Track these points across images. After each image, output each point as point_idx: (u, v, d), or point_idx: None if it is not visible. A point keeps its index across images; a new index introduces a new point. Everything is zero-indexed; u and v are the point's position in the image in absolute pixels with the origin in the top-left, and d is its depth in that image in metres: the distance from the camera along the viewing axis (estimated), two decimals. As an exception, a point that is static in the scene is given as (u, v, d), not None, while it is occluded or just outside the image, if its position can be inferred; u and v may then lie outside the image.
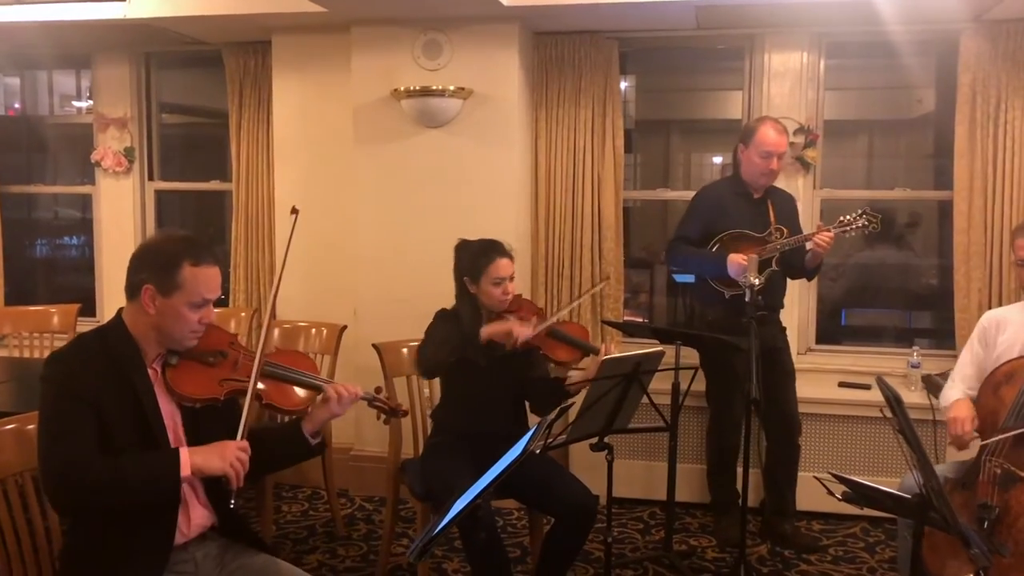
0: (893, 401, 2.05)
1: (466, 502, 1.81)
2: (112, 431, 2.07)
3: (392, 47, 4.33)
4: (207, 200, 5.64)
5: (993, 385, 2.82)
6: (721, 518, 4.00)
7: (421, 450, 3.43)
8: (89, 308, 5.26)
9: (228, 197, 5.13)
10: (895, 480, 4.05)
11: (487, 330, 3.00)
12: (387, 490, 3.55)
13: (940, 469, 2.93)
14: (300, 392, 2.38)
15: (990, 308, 4.16)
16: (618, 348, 4.42)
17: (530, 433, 1.89)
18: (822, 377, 4.37)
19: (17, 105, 6.00)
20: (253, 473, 2.22)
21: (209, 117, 5.57)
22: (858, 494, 2.34)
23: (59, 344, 4.56)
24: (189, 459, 2.05)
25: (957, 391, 3.02)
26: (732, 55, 4.75)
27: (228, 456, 2.08)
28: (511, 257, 3.22)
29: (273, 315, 2.53)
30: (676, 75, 5.39)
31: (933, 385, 4.11)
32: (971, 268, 4.20)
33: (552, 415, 2.05)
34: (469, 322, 3.15)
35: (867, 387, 4.26)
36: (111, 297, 5.30)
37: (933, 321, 5.44)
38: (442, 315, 3.22)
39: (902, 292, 5.85)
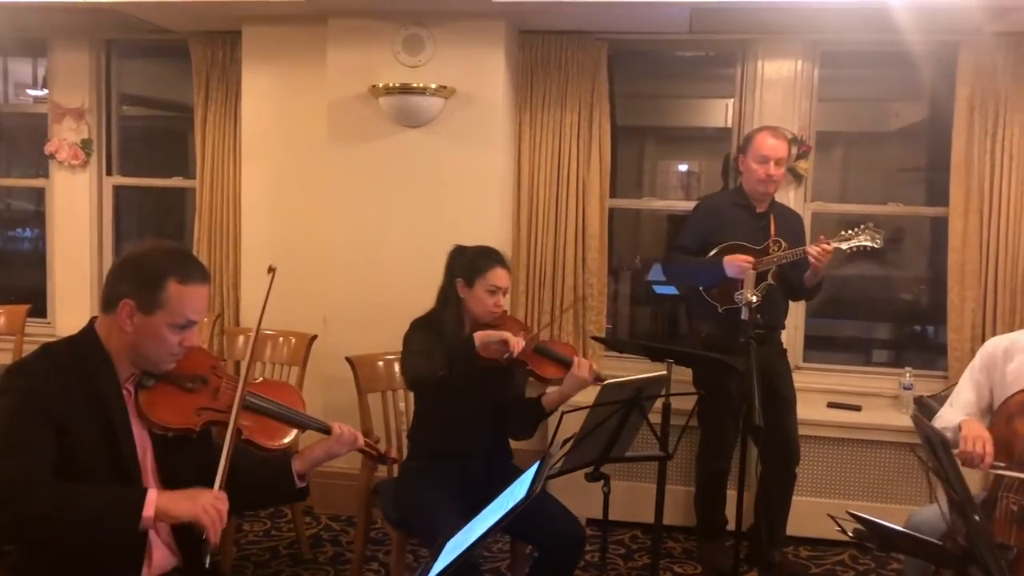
0: (937, 443, 1.87)
1: (463, 549, 1.60)
2: (77, 455, 1.85)
3: (371, 41, 4.10)
4: (167, 197, 5.36)
5: (1006, 416, 2.66)
6: (707, 543, 3.82)
7: (396, 472, 3.21)
8: (39, 309, 4.95)
9: (190, 195, 4.86)
10: (889, 507, 3.94)
11: (483, 335, 2.78)
12: (358, 513, 3.32)
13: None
14: (286, 431, 2.16)
15: (984, 329, 4.05)
16: (598, 362, 4.29)
17: (532, 472, 1.69)
18: (811, 397, 4.21)
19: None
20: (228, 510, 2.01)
21: (172, 110, 5.30)
22: (877, 536, 2.17)
23: (4, 349, 4.31)
24: (155, 499, 1.81)
25: (957, 415, 2.86)
26: (719, 62, 4.61)
27: (201, 501, 1.85)
28: (509, 270, 3.05)
29: (250, 366, 2.31)
30: (656, 81, 5.23)
31: (925, 408, 3.98)
32: (965, 288, 4.08)
33: (560, 453, 1.85)
34: (452, 330, 2.94)
35: (857, 408, 4.13)
36: (63, 297, 5.01)
37: (917, 337, 5.34)
38: (419, 325, 3.01)
39: (884, 307, 5.75)
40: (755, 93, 4.31)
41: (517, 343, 2.73)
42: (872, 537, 2.22)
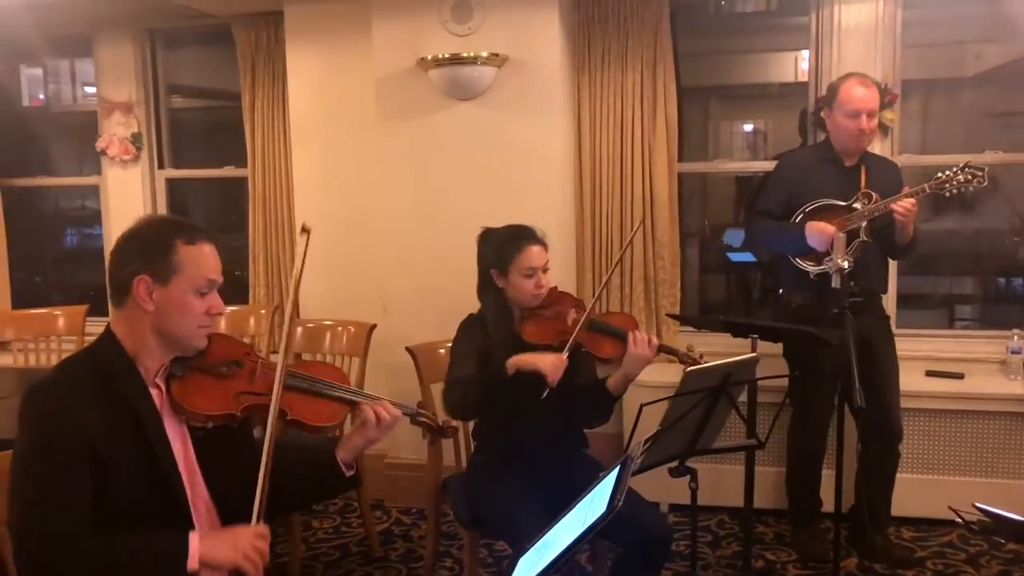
0: None
1: (542, 568, 1.40)
2: (112, 471, 1.71)
3: (417, 11, 3.87)
4: (226, 188, 5.25)
5: None
6: (801, 528, 3.56)
7: (465, 464, 3.03)
8: (100, 307, 4.90)
9: (247, 184, 4.73)
10: (998, 482, 3.63)
11: (513, 364, 2.54)
12: (428, 509, 3.15)
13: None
14: (332, 407, 1.98)
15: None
16: (672, 340, 4.03)
17: (612, 480, 1.47)
18: (906, 365, 3.88)
19: (41, 96, 5.66)
20: (275, 513, 1.85)
21: (221, 99, 5.17)
22: (1009, 531, 1.90)
23: (68, 350, 4.25)
24: (198, 548, 1.69)
25: None
26: (783, 12, 4.27)
27: (241, 545, 1.71)
28: (544, 244, 2.77)
29: (291, 334, 2.12)
30: (713, 37, 4.91)
31: (1037, 373, 3.65)
32: (1077, 239, 3.71)
33: (640, 454, 1.62)
34: (496, 326, 2.74)
35: (960, 376, 3.80)
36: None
37: (1019, 295, 4.96)
38: (467, 327, 2.80)
39: (977, 263, 5.37)
40: (832, 41, 3.98)
41: (554, 372, 2.47)
42: (1002, 531, 1.96)
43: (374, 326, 3.69)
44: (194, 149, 5.15)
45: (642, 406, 2.12)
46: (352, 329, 3.69)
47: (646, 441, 1.78)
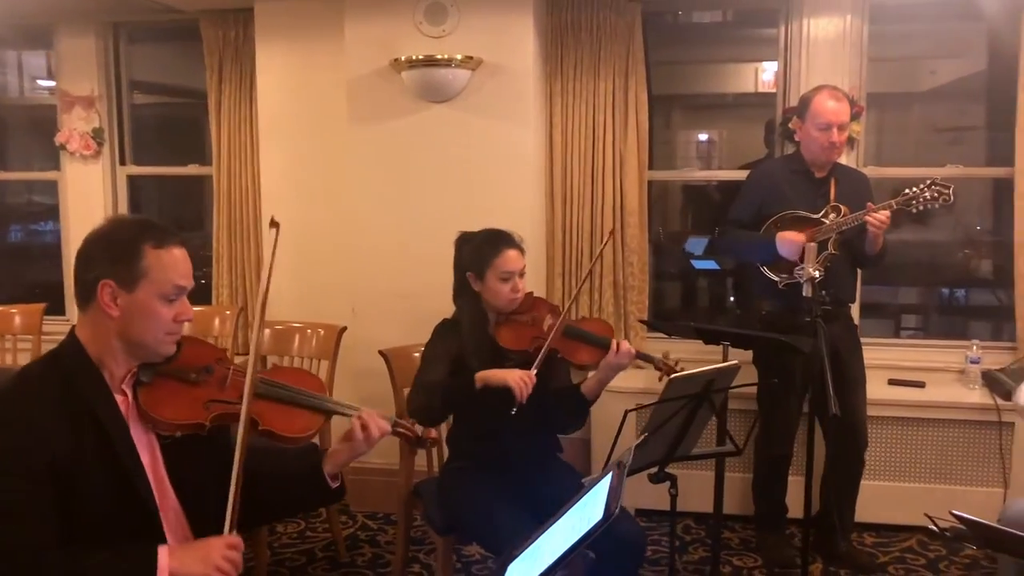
0: None
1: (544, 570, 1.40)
2: (77, 482, 1.65)
3: (391, 12, 3.84)
4: (186, 186, 5.16)
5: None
6: (767, 533, 3.60)
7: (437, 470, 3.01)
8: (58, 306, 4.78)
9: (208, 183, 4.65)
10: (956, 489, 3.70)
11: (482, 379, 2.53)
12: (399, 516, 3.13)
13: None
14: (307, 417, 1.92)
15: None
16: (639, 345, 4.05)
17: (605, 486, 1.47)
18: (869, 374, 3.94)
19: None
20: (257, 522, 1.81)
21: (186, 96, 5.08)
22: (983, 537, 1.94)
23: (25, 349, 4.13)
24: (167, 563, 1.63)
25: None
26: (747, 23, 4.33)
27: (213, 558, 1.66)
28: (521, 249, 2.77)
29: (261, 334, 2.07)
30: (676, 47, 4.95)
31: (996, 383, 3.73)
32: (1034, 253, 3.80)
33: (630, 457, 1.62)
34: (471, 330, 2.72)
35: (921, 385, 3.87)
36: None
37: (978, 306, 5.07)
38: (442, 331, 2.78)
39: (935, 274, 5.48)
40: (801, 53, 4.04)
41: (522, 388, 2.45)
42: (975, 538, 1.99)
43: (344, 328, 3.66)
44: (154, 146, 5.04)
45: (627, 412, 2.13)
46: (321, 332, 3.65)
47: (635, 447, 1.78)
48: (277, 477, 1.94)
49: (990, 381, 3.77)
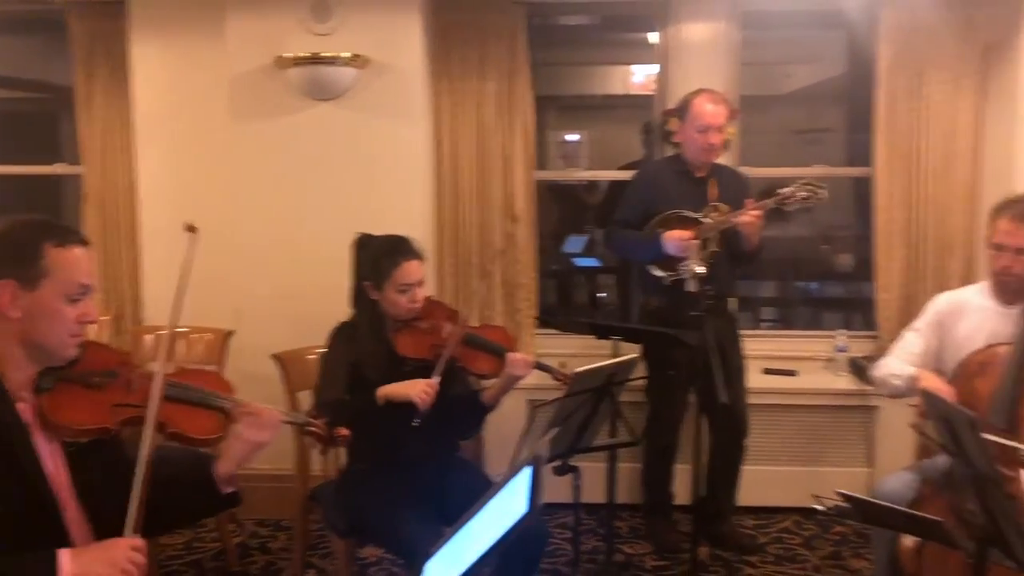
0: (962, 422, 1.77)
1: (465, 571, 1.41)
2: None
3: (274, 8, 3.77)
4: (37, 187, 4.86)
5: (966, 376, 2.63)
6: (656, 521, 3.74)
7: (334, 473, 2.98)
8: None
9: (68, 183, 4.40)
10: (826, 471, 3.93)
11: (384, 394, 2.54)
12: (296, 519, 3.08)
13: (919, 468, 2.74)
14: (215, 418, 1.89)
15: (915, 288, 4.05)
16: (530, 341, 4.12)
17: (526, 479, 1.51)
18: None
19: None
20: (154, 532, 1.77)
21: (41, 91, 4.81)
22: (864, 513, 2.08)
23: None
24: (69, 568, 1.57)
25: (908, 367, 2.78)
26: (618, 27, 4.46)
27: (117, 559, 1.60)
28: (421, 258, 2.76)
29: (173, 336, 2.02)
30: (550, 49, 5.05)
31: (860, 370, 3.98)
32: (893, 247, 4.06)
33: (544, 452, 1.67)
34: (368, 338, 2.71)
35: (793, 373, 4.09)
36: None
37: (843, 298, 5.41)
38: (339, 336, 2.75)
39: (800, 268, 5.81)
40: (676, 57, 4.18)
41: (425, 400, 2.47)
42: (857, 514, 2.14)
43: (231, 332, 3.57)
44: (2, 144, 4.73)
45: (535, 407, 2.17)
46: (208, 336, 3.55)
47: (549, 440, 1.83)
48: (171, 484, 1.89)
49: (856, 369, 4.02)
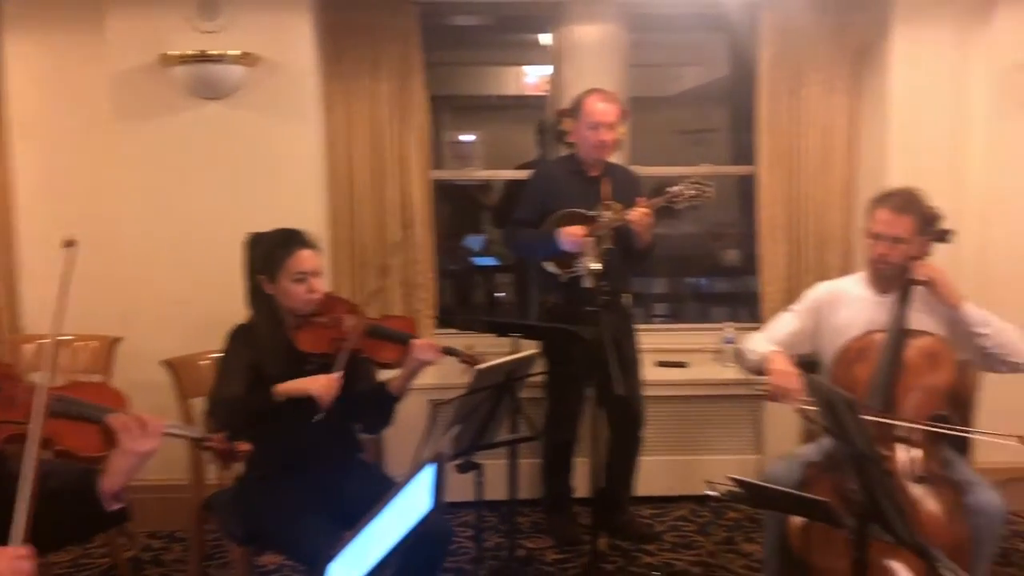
0: (842, 404, 1.87)
1: (369, 570, 1.41)
2: None
3: (158, 4, 3.66)
4: None
5: (846, 362, 2.78)
6: (555, 515, 3.80)
7: (228, 482, 2.91)
8: None
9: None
10: (717, 459, 4.07)
11: (283, 391, 2.49)
12: (192, 529, 3.00)
13: (804, 452, 2.86)
14: (104, 432, 1.80)
15: (796, 280, 4.24)
16: (428, 337, 4.12)
17: (429, 476, 1.52)
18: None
19: None
20: (43, 550, 1.69)
21: None
22: (756, 497, 2.18)
23: None
24: None
25: (767, 345, 2.90)
26: (510, 28, 4.49)
27: (2, 570, 1.53)
28: (315, 248, 2.73)
29: (56, 347, 1.94)
30: (447, 49, 5.07)
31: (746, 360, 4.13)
32: (776, 241, 4.25)
33: (446, 450, 1.68)
34: (267, 335, 2.65)
35: (683, 365, 4.22)
36: None
37: (729, 291, 5.59)
38: (236, 338, 2.67)
39: (688, 264, 5.98)
40: (569, 58, 4.26)
41: (326, 394, 2.45)
42: (747, 498, 2.23)
43: (118, 339, 3.44)
44: None
45: (435, 405, 2.18)
46: (94, 344, 3.41)
47: (452, 438, 1.84)
48: (56, 501, 1.81)
49: (741, 359, 4.17)
